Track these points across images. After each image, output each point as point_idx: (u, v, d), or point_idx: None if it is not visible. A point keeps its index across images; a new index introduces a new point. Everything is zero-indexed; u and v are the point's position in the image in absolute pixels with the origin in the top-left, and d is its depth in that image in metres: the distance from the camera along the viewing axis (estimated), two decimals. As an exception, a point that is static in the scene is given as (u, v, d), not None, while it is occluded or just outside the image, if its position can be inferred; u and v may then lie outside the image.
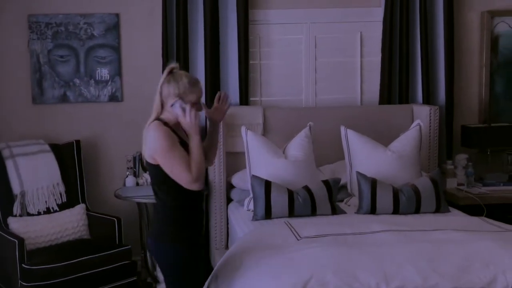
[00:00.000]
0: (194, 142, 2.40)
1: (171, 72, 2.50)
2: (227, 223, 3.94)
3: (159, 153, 2.40)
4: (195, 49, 4.20)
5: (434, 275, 2.47)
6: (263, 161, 3.67)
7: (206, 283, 2.90)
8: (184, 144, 2.44)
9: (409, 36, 4.33)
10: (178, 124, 2.48)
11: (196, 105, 2.44)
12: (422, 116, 4.11)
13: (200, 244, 2.55)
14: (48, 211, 3.76)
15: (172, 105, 2.43)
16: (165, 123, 2.44)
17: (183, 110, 2.40)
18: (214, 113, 2.64)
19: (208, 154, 2.61)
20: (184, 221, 2.46)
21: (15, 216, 3.67)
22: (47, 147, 3.91)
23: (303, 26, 4.35)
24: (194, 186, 2.39)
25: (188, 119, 2.39)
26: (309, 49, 4.37)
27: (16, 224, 3.60)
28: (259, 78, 4.35)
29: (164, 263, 2.50)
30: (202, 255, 2.58)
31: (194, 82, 2.47)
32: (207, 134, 2.70)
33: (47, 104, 4.18)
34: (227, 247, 3.91)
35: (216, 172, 3.92)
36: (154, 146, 2.41)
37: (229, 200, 4.00)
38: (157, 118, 2.47)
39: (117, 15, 4.20)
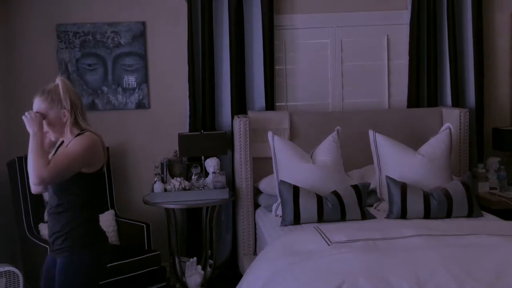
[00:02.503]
0: None
1: None
2: (255, 229, 3.93)
3: None
4: (220, 55, 4.21)
5: (469, 280, 2.41)
6: (291, 166, 3.64)
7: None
8: None
9: (437, 38, 4.27)
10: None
11: None
12: (452, 119, 4.05)
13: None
14: (77, 217, 3.79)
15: None
16: None
17: None
18: None
19: None
20: None
21: (46, 222, 3.71)
22: (76, 154, 3.94)
23: (329, 30, 4.33)
24: None
25: None
26: (335, 53, 4.34)
27: (46, 230, 3.63)
28: (285, 83, 4.34)
29: None
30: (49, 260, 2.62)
31: None
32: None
33: (76, 112, 4.23)
34: (255, 253, 3.89)
35: (243, 178, 3.91)
36: None
37: (256, 205, 3.98)
38: None
39: (143, 24, 4.24)
